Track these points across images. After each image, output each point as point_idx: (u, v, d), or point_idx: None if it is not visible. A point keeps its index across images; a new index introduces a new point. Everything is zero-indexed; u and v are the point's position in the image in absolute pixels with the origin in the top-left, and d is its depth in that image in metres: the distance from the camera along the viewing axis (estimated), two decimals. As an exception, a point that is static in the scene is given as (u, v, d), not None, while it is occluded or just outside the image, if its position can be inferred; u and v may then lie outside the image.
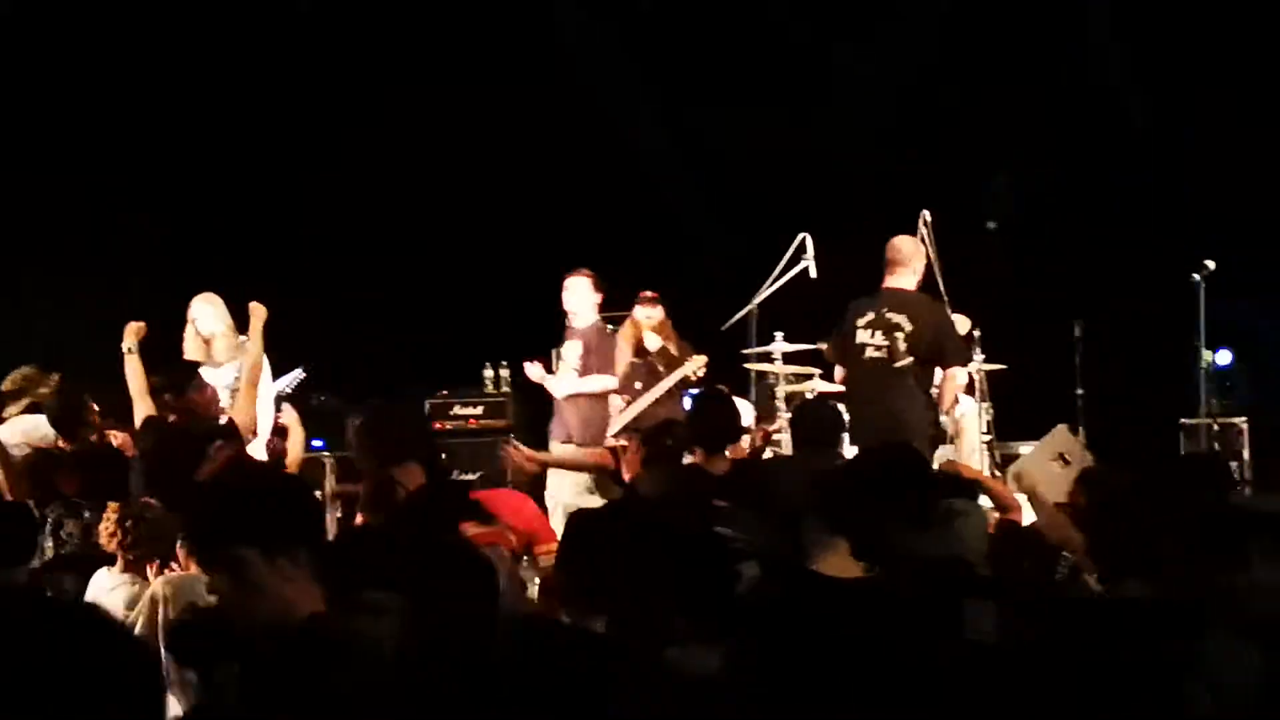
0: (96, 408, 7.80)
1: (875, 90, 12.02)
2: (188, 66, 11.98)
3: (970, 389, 9.28)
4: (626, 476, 6.77)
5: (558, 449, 9.29)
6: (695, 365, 9.52)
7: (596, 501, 8.76)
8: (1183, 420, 10.19)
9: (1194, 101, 11.40)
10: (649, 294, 9.82)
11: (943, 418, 8.28)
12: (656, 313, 9.81)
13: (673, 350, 9.77)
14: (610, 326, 9.85)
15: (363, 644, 2.80)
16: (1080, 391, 10.60)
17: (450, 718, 2.40)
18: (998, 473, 9.42)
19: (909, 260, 8.37)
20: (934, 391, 8.32)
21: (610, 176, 12.04)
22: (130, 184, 11.83)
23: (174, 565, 5.86)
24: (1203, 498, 4.56)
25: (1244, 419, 10.26)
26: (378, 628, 2.86)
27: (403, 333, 11.86)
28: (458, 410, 11.35)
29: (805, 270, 9.55)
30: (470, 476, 10.46)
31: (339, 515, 8.55)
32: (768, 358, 9.85)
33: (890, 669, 2.73)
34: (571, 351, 9.57)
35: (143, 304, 8.46)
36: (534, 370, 9.69)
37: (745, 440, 8.48)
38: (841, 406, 7.89)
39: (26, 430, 8.06)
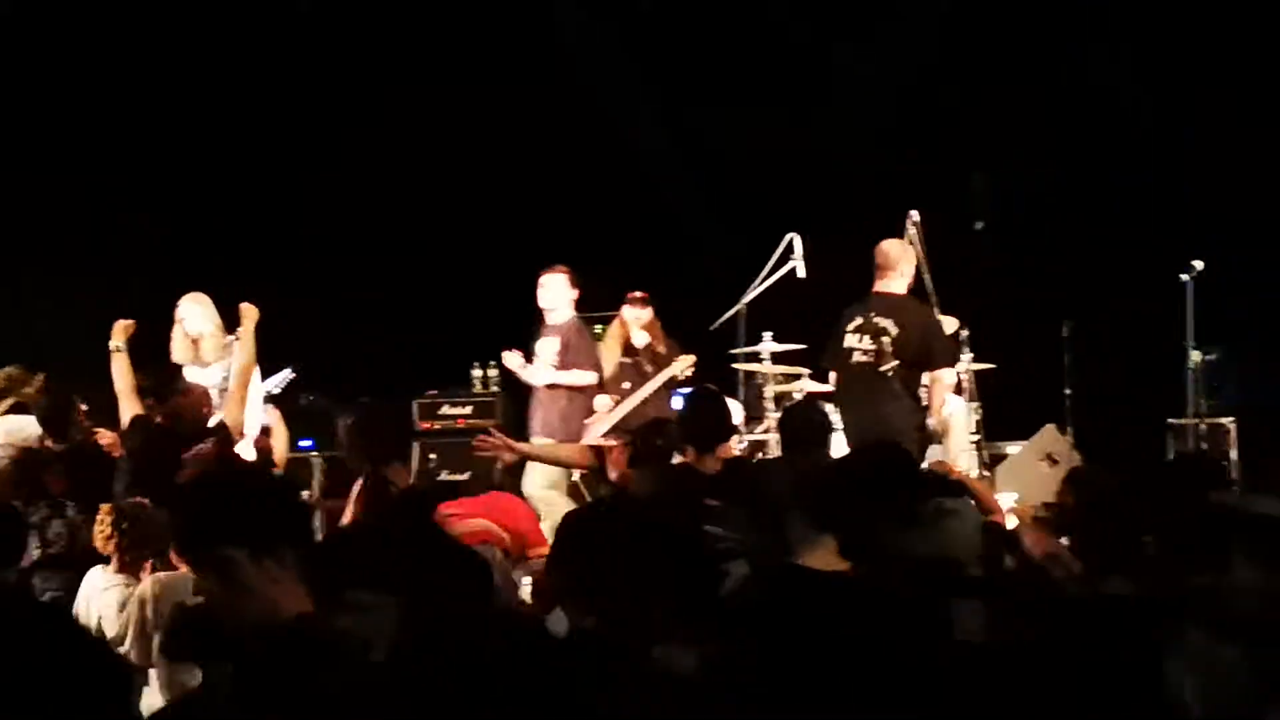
0: (85, 407, 7.78)
1: (875, 90, 12.01)
2: (187, 66, 11.97)
3: (958, 389, 9.29)
4: (613, 476, 6.77)
5: (538, 443, 9.29)
6: (683, 365, 9.54)
7: (561, 496, 8.80)
8: (1170, 420, 10.19)
9: (1194, 101, 11.40)
10: (638, 294, 9.82)
11: (930, 420, 8.30)
12: (645, 313, 9.82)
13: (661, 349, 9.78)
14: (598, 327, 9.84)
15: (350, 644, 2.80)
16: (1068, 391, 10.62)
17: (446, 716, 2.40)
18: (986, 473, 9.43)
19: (896, 264, 8.44)
20: (923, 393, 8.36)
21: (609, 176, 12.03)
22: (129, 184, 11.81)
23: (168, 565, 5.86)
24: (1190, 498, 4.57)
25: (1232, 419, 10.25)
26: (365, 628, 2.86)
27: (391, 333, 11.84)
28: (446, 410, 11.34)
29: (793, 271, 9.56)
30: (460, 477, 10.44)
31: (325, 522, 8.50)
32: (756, 358, 9.85)
33: (879, 667, 2.74)
34: (548, 348, 9.52)
35: (141, 304, 8.46)
36: (513, 359, 9.65)
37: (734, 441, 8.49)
38: (831, 408, 7.92)
39: (10, 430, 8.03)
